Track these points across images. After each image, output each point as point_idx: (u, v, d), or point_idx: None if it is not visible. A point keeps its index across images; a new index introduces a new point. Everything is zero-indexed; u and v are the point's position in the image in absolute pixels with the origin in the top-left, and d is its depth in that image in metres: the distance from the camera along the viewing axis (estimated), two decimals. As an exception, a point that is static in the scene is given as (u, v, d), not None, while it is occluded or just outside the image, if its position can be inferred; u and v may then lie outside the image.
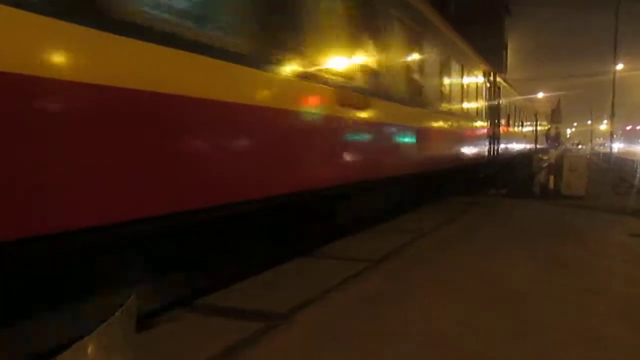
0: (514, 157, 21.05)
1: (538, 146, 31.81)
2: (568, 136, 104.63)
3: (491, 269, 4.84)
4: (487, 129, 14.28)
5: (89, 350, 1.58)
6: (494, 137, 14.94)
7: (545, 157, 14.59)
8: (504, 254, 5.51)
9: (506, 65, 44.96)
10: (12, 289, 2.58)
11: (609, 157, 31.57)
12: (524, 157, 22.93)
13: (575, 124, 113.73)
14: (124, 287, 3.07)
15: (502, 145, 16.45)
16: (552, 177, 12.30)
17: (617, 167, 24.42)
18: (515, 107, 21.16)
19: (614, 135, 36.18)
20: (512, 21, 49.32)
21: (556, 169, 12.29)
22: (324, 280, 4.28)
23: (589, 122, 75.97)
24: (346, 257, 5.27)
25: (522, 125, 24.28)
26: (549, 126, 40.19)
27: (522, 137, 24.18)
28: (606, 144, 72.68)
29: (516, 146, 21.99)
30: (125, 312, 1.74)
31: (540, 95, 41.68)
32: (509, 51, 50.59)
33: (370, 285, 4.27)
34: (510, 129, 19.66)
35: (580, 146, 71.37)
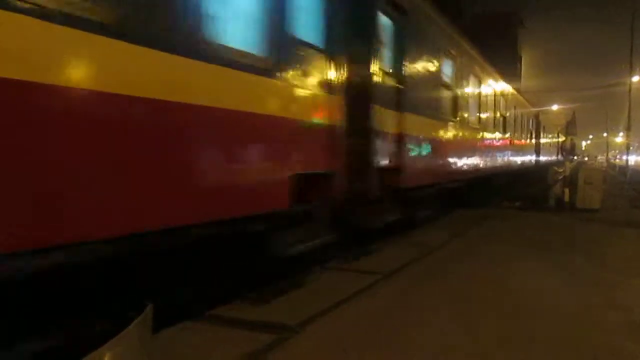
0: (482, 178, 12.75)
1: (542, 158, 26.63)
2: (584, 148, 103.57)
3: (504, 284, 4.81)
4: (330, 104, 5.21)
5: (105, 359, 1.62)
6: (367, 139, 5.93)
7: (561, 170, 14.11)
8: (517, 269, 5.47)
9: (520, 77, 44.75)
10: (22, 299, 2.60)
11: (625, 169, 31.17)
12: (510, 176, 17.16)
13: (590, 136, 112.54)
14: (135, 297, 3.12)
15: (425, 160, 8.18)
16: (567, 190, 12.20)
17: (633, 180, 24.10)
18: (485, 94, 12.83)
19: (630, 148, 35.71)
20: (527, 33, 49.19)
21: (571, 181, 12.19)
22: (335, 293, 4.29)
23: (605, 134, 75.08)
24: (358, 269, 5.28)
25: (504, 130, 15.42)
26: (564, 138, 39.72)
27: (502, 148, 15.43)
28: (617, 157, 71.67)
29: (485, 160, 13.02)
30: (141, 323, 1.79)
31: (555, 107, 41.32)
32: (523, 63, 50.42)
33: (381, 299, 4.28)
34: (465, 132, 10.82)
35: (585, 158, 70.53)
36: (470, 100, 11.50)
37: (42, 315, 2.79)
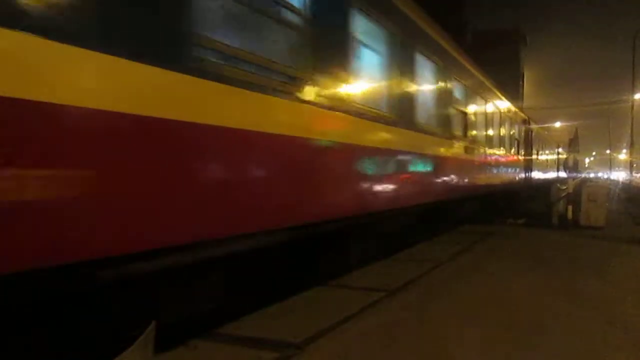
0: None
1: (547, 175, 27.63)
2: (587, 165, 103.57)
3: (509, 301, 4.77)
4: None
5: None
6: None
7: (564, 187, 14.05)
8: (522, 286, 5.43)
9: (523, 94, 44.90)
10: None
11: (628, 186, 31.10)
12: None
13: (594, 152, 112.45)
14: (141, 316, 3.09)
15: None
16: (570, 207, 12.14)
17: (636, 197, 24.00)
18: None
19: (634, 165, 35.66)
20: (529, 51, 49.46)
21: (574, 199, 12.14)
22: (339, 311, 4.26)
23: (608, 151, 74.98)
24: (362, 286, 5.24)
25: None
26: (567, 155, 39.69)
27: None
28: (607, 174, 71.19)
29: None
30: (143, 342, 1.76)
31: (558, 124, 41.43)
32: (526, 80, 50.63)
33: (386, 316, 4.24)
34: None
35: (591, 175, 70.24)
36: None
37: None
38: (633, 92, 28.39)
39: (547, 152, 26.53)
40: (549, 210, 12.65)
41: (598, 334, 3.84)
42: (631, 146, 30.34)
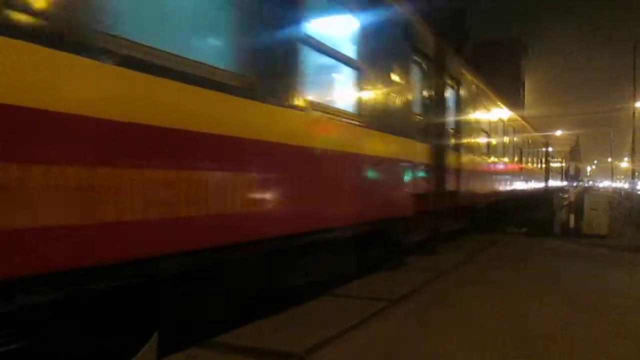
0: None
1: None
2: (588, 174, 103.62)
3: (513, 311, 4.74)
4: None
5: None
6: None
7: (565, 196, 14.01)
8: (526, 296, 5.39)
9: (524, 103, 44.96)
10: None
11: (630, 195, 31.02)
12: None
13: (595, 161, 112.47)
14: (143, 325, 3.06)
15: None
16: (572, 216, 12.11)
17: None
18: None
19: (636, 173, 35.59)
20: (530, 60, 49.60)
21: (577, 207, 12.11)
22: (342, 320, 4.22)
23: (610, 159, 74.98)
24: (365, 296, 5.20)
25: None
26: (568, 164, 39.48)
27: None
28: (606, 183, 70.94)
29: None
30: (146, 352, 1.74)
31: (559, 132, 41.43)
32: (526, 89, 50.73)
33: (389, 326, 4.20)
34: None
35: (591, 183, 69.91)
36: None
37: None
38: (634, 100, 28.40)
39: (515, 146, 16.96)
40: (551, 218, 12.62)
41: (604, 344, 3.81)
42: (632, 154, 30.31)
